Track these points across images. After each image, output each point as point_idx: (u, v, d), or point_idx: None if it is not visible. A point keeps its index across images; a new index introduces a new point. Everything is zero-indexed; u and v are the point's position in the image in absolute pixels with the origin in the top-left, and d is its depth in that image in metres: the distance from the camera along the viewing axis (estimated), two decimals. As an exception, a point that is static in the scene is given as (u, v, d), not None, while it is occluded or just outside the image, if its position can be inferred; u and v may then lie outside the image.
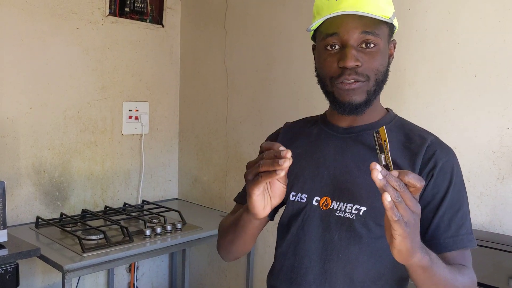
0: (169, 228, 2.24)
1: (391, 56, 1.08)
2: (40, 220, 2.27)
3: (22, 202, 2.33)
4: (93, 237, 2.07)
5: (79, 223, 2.28)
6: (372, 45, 1.00)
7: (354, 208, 1.03)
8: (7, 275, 1.71)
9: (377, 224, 1.02)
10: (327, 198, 1.06)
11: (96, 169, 2.61)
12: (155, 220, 2.35)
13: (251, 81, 2.55)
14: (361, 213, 1.02)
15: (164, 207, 2.58)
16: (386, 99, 1.24)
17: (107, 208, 2.54)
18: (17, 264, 1.76)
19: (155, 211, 2.51)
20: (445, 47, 1.81)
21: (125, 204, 2.67)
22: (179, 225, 2.29)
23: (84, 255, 1.91)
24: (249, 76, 2.56)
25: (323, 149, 1.11)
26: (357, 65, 0.99)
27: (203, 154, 2.88)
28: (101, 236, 2.07)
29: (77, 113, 2.50)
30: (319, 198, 1.07)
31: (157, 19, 2.83)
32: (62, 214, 2.38)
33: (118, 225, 2.20)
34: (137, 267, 2.85)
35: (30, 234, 2.17)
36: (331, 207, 1.05)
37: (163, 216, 2.36)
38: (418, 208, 0.79)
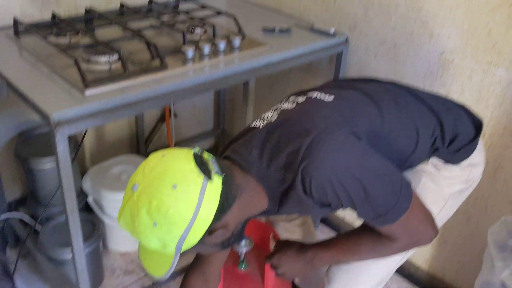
0: (221, 46, 1.41)
1: None
2: (19, 24, 1.44)
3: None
4: (103, 60, 1.27)
5: (80, 32, 1.45)
6: None
7: None
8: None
9: None
10: None
11: None
12: (198, 30, 1.51)
13: None
14: None
15: (210, 7, 1.70)
16: None
17: (124, 8, 1.68)
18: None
19: (197, 14, 1.64)
20: None
21: (151, 1, 1.78)
22: (236, 41, 1.45)
23: (87, 93, 1.14)
24: None
25: None
26: None
27: None
28: (116, 57, 1.27)
29: None
30: None
31: None
32: (54, 15, 1.53)
33: (141, 37, 1.38)
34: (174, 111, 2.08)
35: (3, 47, 1.37)
36: None
37: (211, 25, 1.50)
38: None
